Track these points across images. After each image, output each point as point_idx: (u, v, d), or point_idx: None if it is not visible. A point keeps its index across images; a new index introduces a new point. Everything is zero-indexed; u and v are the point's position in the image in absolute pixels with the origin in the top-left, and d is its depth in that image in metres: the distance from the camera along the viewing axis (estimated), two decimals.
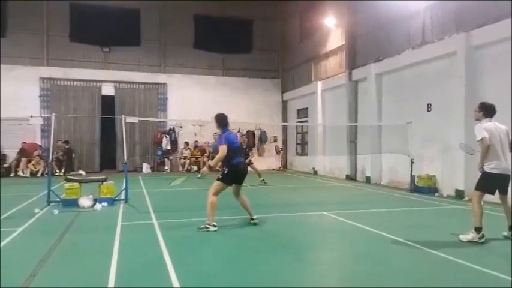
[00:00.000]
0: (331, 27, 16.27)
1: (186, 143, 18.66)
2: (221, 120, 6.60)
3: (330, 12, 16.41)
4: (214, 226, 6.20)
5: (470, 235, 5.41)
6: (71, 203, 8.29)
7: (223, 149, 6.28)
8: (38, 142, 17.20)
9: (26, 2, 17.16)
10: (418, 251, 5.19)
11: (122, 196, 9.09)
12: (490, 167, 5.43)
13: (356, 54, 14.86)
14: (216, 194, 6.35)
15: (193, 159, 18.34)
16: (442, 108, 10.93)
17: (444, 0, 10.68)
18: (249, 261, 4.84)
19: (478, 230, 5.38)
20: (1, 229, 6.10)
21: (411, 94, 12.10)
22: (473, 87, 9.82)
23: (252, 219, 6.68)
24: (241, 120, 17.48)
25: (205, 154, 18.27)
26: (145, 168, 18.19)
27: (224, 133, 6.45)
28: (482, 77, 9.72)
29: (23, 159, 16.04)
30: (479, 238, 5.35)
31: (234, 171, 6.41)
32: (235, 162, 6.45)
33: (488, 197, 5.69)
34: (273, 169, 19.52)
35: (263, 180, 12.50)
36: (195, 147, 18.72)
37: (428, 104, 11.41)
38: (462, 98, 9.94)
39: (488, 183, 5.49)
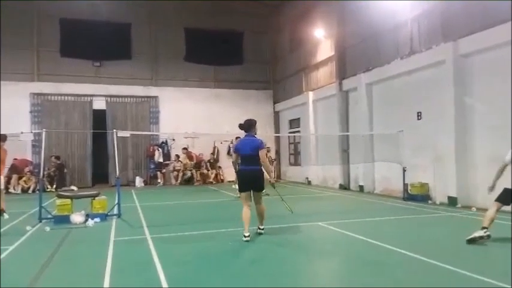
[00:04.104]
0: (321, 38, 16.46)
1: (177, 156, 18.62)
2: (243, 126, 6.80)
3: (319, 23, 16.61)
4: (245, 236, 6.25)
5: (475, 233, 5.75)
6: (63, 220, 8.17)
7: (232, 156, 7.00)
8: (29, 158, 17.04)
9: (15, 17, 17.18)
10: (413, 259, 5.20)
11: (115, 211, 9.01)
12: None
13: (346, 65, 15.02)
14: (244, 204, 6.55)
15: (186, 170, 18.32)
16: (432, 117, 11.05)
17: (437, 0, 10.84)
18: (244, 275, 4.79)
19: (484, 228, 5.73)
20: None
21: (401, 103, 12.22)
22: (462, 95, 9.96)
23: (259, 228, 6.82)
24: (235, 131, 17.47)
25: (192, 162, 18.39)
26: (138, 182, 18.07)
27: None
28: (470, 84, 9.86)
29: (14, 176, 15.85)
30: (485, 232, 5.68)
31: (239, 178, 6.76)
32: (240, 168, 6.73)
33: (484, 203, 5.84)
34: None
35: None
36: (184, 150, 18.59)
37: (418, 113, 11.53)
38: (451, 106, 10.06)
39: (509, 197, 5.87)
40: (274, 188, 7.01)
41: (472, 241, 5.74)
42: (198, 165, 18.62)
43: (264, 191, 6.81)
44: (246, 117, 7.02)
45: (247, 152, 6.57)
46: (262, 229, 6.84)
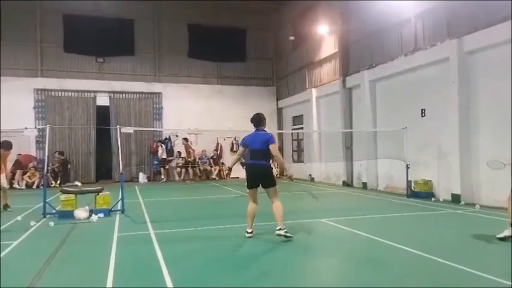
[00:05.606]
0: (324, 34, 16.40)
1: (179, 153, 18.64)
2: (252, 120, 6.60)
3: (322, 20, 16.54)
4: (247, 233, 6.27)
5: (506, 231, 5.76)
6: (67, 215, 8.24)
7: (238, 150, 6.68)
8: (33, 154, 17.11)
9: (19, 13, 17.20)
10: (417, 257, 5.20)
11: (118, 207, 9.04)
12: None
13: (349, 61, 14.97)
14: (250, 200, 6.43)
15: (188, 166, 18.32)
16: (436, 114, 11.00)
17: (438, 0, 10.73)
18: (245, 274, 4.79)
19: None
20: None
21: (405, 100, 12.18)
22: (466, 93, 9.91)
23: (276, 229, 6.29)
24: (238, 128, 17.47)
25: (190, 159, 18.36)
26: (142, 178, 18.14)
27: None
28: (474, 82, 9.81)
29: (18, 171, 15.93)
30: None
31: (246, 173, 6.51)
32: (248, 163, 6.55)
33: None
34: None
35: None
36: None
37: (422, 110, 11.49)
38: (456, 103, 10.02)
39: None
40: (293, 181, 7.00)
41: (503, 239, 5.74)
42: (193, 162, 18.43)
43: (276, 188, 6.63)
44: (249, 114, 6.89)
45: (257, 146, 6.35)
46: (280, 229, 6.15)
